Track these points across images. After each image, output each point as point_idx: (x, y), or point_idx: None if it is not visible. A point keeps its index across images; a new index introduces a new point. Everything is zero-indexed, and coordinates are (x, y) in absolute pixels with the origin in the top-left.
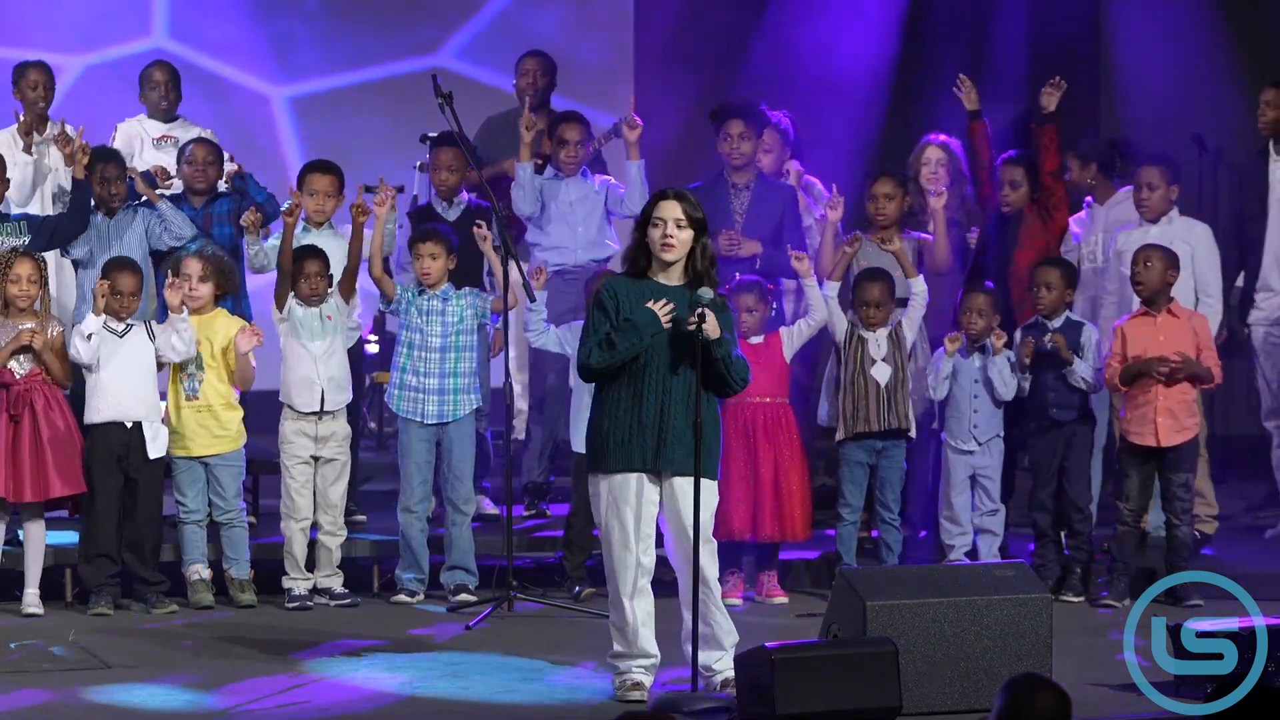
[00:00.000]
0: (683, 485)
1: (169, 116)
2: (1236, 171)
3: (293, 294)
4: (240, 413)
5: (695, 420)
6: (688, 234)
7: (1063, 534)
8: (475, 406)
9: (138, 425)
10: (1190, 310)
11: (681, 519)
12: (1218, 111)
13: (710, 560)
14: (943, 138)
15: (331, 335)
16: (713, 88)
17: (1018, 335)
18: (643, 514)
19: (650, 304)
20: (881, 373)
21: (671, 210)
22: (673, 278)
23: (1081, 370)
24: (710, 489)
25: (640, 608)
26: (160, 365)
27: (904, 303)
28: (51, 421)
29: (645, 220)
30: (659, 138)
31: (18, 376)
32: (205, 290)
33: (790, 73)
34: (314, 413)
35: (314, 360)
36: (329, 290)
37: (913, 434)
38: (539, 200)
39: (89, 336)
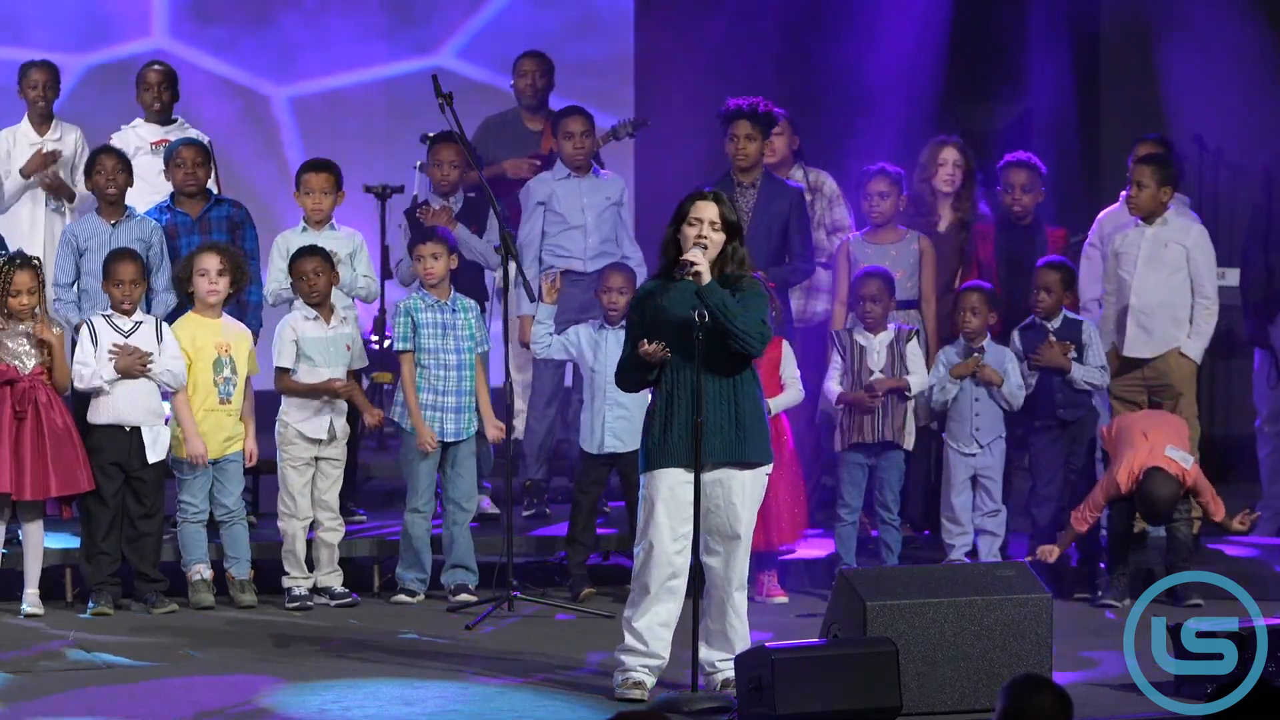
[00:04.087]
0: (724, 479)
1: (164, 118)
2: (1240, 170)
3: (298, 306)
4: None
5: (696, 419)
6: (720, 236)
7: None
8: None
9: (137, 429)
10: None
11: (718, 515)
12: (1220, 111)
13: (744, 557)
14: (956, 138)
15: (345, 365)
16: (713, 88)
17: (1015, 337)
18: (678, 512)
19: (642, 349)
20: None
21: (709, 211)
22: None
23: (1082, 374)
24: (757, 479)
25: (664, 607)
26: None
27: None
28: (52, 420)
29: (680, 218)
30: (660, 138)
31: (23, 373)
32: (224, 284)
33: (792, 72)
34: (319, 439)
35: None
36: (333, 292)
37: (908, 447)
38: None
39: (99, 384)
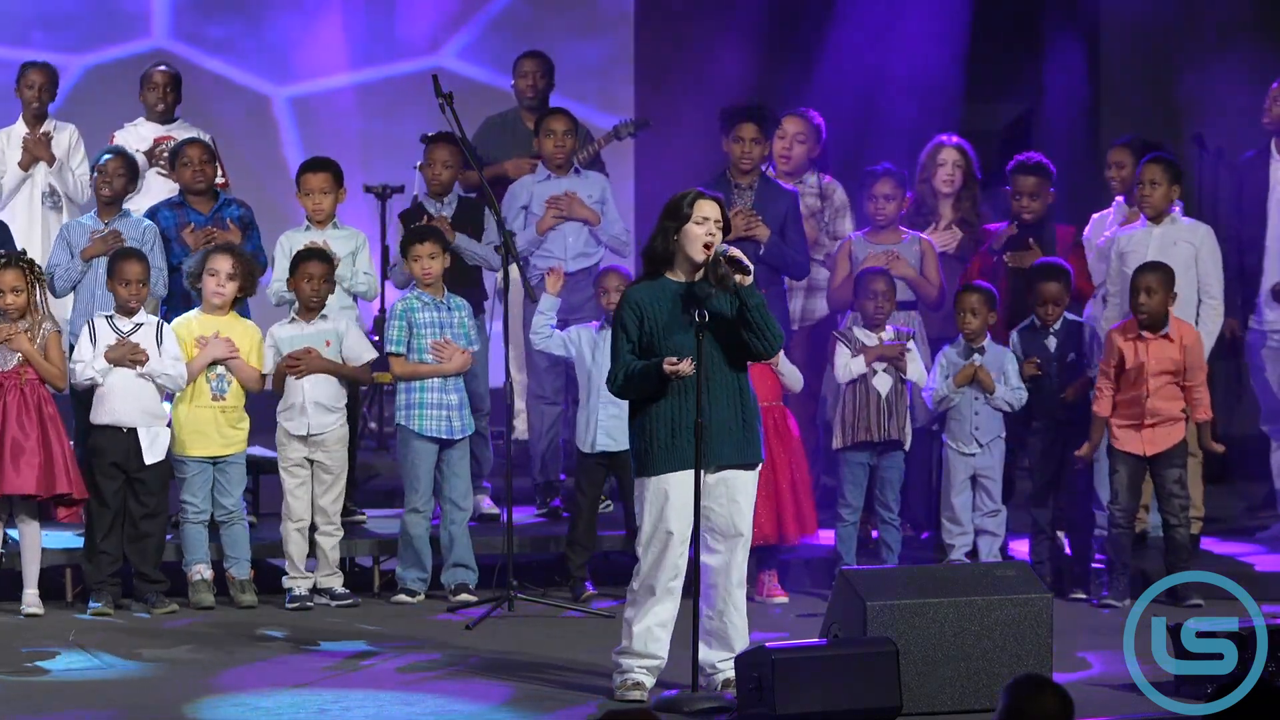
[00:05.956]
0: (728, 479)
1: (166, 119)
2: (1236, 171)
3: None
4: (247, 417)
5: (697, 420)
6: (719, 237)
7: (1060, 533)
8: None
9: (134, 430)
10: (1184, 327)
11: (722, 514)
12: (1218, 110)
13: (745, 554)
14: (956, 139)
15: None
16: (713, 88)
17: (1014, 338)
18: (685, 514)
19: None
20: (883, 383)
21: (714, 210)
22: (688, 275)
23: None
24: (754, 478)
25: (664, 608)
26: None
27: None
28: (32, 419)
29: (680, 217)
30: (660, 138)
31: (3, 369)
32: (231, 289)
33: (791, 72)
34: (301, 435)
35: (301, 386)
36: (330, 294)
37: (907, 446)
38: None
39: (92, 376)
